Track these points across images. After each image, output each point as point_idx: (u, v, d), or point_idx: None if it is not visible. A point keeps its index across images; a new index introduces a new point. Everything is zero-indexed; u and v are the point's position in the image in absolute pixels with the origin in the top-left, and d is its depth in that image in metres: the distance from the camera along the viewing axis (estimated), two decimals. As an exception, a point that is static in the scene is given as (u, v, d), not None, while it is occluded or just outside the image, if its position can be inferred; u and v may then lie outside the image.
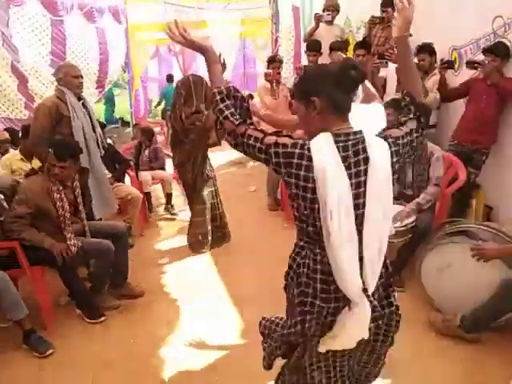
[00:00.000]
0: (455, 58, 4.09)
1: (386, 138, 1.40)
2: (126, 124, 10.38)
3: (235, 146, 1.45)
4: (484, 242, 2.58)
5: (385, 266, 1.43)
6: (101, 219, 3.58)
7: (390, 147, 1.38)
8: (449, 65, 3.91)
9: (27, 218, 2.82)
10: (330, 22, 5.30)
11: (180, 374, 2.51)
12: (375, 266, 1.36)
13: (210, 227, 3.93)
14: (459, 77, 4.04)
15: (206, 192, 3.86)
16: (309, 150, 1.30)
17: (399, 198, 3.37)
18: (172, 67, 13.18)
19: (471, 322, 2.52)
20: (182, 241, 4.19)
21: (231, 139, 1.44)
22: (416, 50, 3.94)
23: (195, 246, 3.97)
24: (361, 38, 5.17)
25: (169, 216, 5.03)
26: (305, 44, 5.41)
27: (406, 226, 3.09)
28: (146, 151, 5.14)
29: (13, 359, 2.63)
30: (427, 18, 3.95)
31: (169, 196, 5.15)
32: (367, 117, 1.68)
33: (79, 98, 3.43)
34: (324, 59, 4.80)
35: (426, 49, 3.89)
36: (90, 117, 3.50)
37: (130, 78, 8.27)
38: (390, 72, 4.32)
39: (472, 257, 2.34)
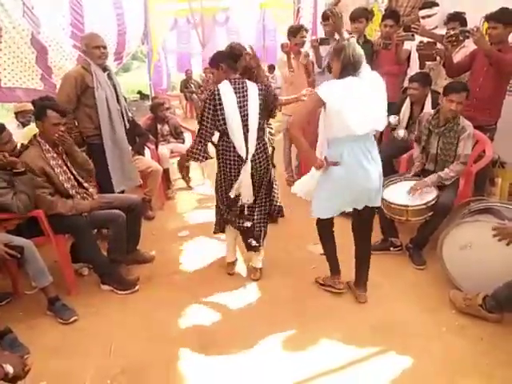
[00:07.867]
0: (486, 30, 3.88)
1: (257, 83, 2.80)
2: (144, 97, 10.34)
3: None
4: (509, 220, 2.51)
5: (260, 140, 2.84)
6: (123, 192, 3.60)
7: (258, 88, 2.75)
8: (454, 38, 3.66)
9: (47, 187, 2.83)
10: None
11: (200, 341, 2.54)
12: (253, 141, 2.77)
13: None
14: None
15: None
16: (219, 89, 2.71)
17: (420, 174, 3.29)
18: (190, 39, 12.93)
19: (494, 302, 2.48)
20: (201, 214, 4.24)
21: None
22: (446, 18, 3.76)
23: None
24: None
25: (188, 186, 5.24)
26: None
27: (426, 203, 3.03)
28: (166, 126, 5.12)
29: (38, 325, 2.71)
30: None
31: (187, 169, 5.21)
32: None
33: (104, 69, 3.41)
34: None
35: (457, 18, 3.71)
36: (115, 88, 3.48)
37: (149, 51, 8.17)
38: (415, 45, 4.15)
39: (493, 236, 2.27)
